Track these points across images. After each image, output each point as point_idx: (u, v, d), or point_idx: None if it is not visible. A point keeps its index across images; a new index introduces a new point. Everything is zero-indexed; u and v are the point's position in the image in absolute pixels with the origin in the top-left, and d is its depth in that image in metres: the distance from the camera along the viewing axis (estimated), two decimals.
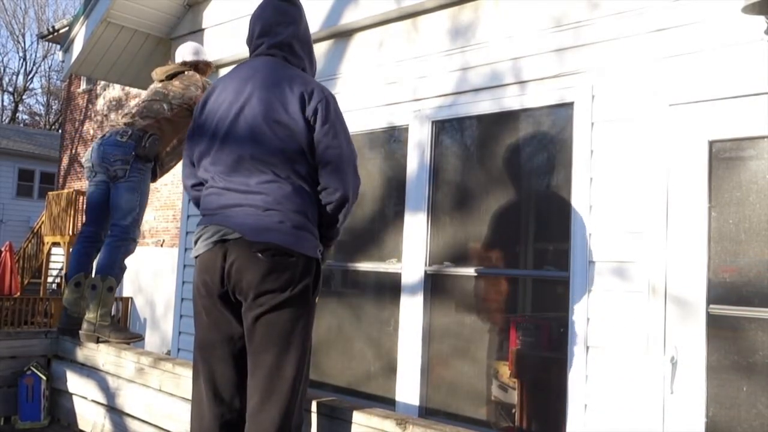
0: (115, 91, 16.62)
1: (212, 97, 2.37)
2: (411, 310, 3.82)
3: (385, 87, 4.16)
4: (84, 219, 4.03)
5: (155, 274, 13.80)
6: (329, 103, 2.25)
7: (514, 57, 3.57)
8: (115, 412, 3.52)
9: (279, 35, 2.43)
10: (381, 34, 4.24)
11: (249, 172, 2.17)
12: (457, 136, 3.95)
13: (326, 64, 4.51)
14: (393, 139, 4.18)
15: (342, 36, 4.46)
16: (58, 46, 5.97)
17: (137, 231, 3.75)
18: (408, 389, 3.77)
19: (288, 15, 2.47)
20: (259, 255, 2.07)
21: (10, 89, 34.84)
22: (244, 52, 4.99)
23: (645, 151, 3.05)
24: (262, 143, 2.18)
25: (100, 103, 17.30)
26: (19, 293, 14.45)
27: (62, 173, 18.75)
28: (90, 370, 3.78)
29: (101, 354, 3.68)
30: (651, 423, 2.89)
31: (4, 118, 34.20)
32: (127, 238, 3.68)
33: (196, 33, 5.35)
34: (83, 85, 18.13)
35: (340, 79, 4.43)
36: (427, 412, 3.71)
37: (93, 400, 3.74)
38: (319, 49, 4.62)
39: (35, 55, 42.17)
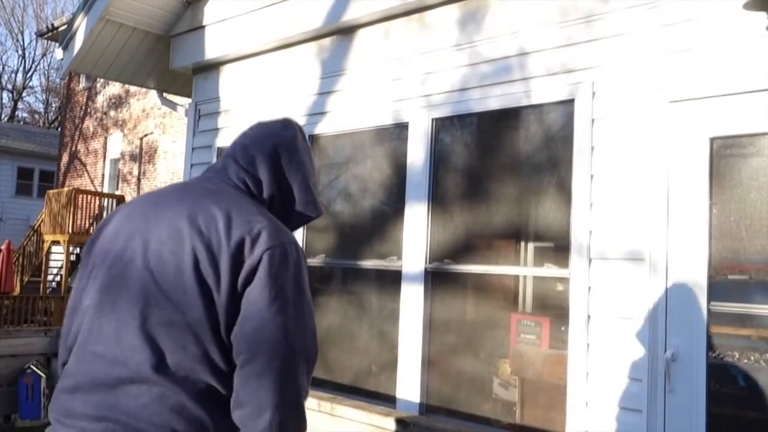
0: (114, 88, 16.60)
1: None
2: (411, 308, 3.81)
3: (386, 84, 4.16)
4: None
5: None
6: None
7: (515, 54, 3.56)
8: None
9: None
10: (383, 30, 4.23)
11: None
12: (457, 133, 3.94)
13: (329, 61, 4.51)
14: (393, 135, 4.18)
15: (345, 32, 4.45)
16: (57, 44, 5.96)
17: None
18: (409, 387, 3.77)
19: None
20: None
21: (9, 87, 34.80)
22: (245, 49, 4.99)
23: (646, 148, 3.05)
24: None
25: (100, 101, 17.28)
26: (14, 292, 14.43)
27: (62, 171, 18.73)
28: None
29: None
30: (652, 420, 2.89)
31: (3, 116, 34.16)
32: None
33: (195, 30, 5.34)
34: (83, 83, 18.11)
35: (343, 76, 4.42)
36: (427, 409, 3.71)
37: None
38: (323, 46, 4.61)
39: (34, 53, 42.12)
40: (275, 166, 1.63)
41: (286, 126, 1.72)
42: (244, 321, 1.38)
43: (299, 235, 4.50)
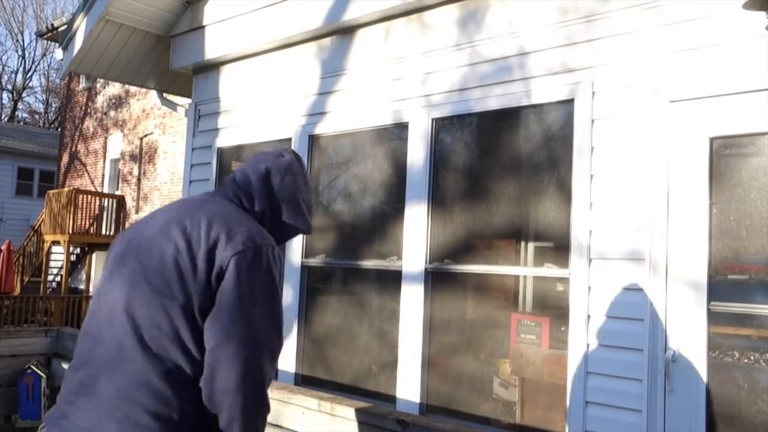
0: (114, 88, 16.60)
1: None
2: (411, 308, 3.82)
3: (386, 84, 4.16)
4: None
5: None
6: None
7: (515, 54, 3.57)
8: None
9: None
10: (383, 30, 4.23)
11: None
12: (457, 133, 3.94)
13: (329, 61, 4.51)
14: (394, 135, 4.18)
15: (345, 32, 4.45)
16: (57, 44, 5.96)
17: None
18: (409, 387, 3.77)
19: None
20: None
21: (9, 87, 34.81)
22: (245, 49, 4.99)
23: (645, 148, 3.05)
24: None
25: (100, 101, 17.28)
26: (14, 292, 14.43)
27: (62, 171, 18.73)
28: None
29: None
30: (652, 420, 2.89)
31: (3, 116, 34.17)
32: None
33: (195, 30, 5.34)
34: (83, 83, 18.11)
35: (344, 76, 4.43)
36: (427, 409, 3.71)
37: None
38: (323, 46, 4.61)
39: (34, 53, 42.13)
40: (267, 185, 1.85)
41: (282, 153, 1.94)
42: (217, 311, 1.56)
43: (299, 238, 4.50)
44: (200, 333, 1.56)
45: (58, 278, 16.56)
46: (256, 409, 1.58)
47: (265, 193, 1.84)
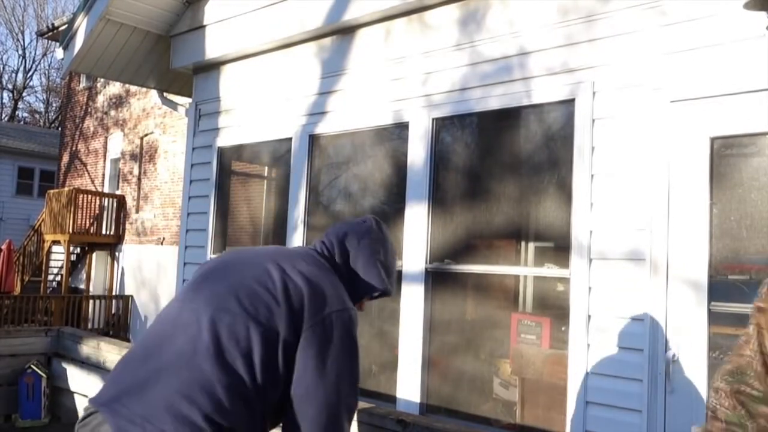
0: (115, 88, 16.60)
1: None
2: (412, 308, 3.81)
3: (387, 84, 4.16)
4: None
5: (156, 272, 13.81)
6: None
7: (516, 54, 3.57)
8: None
9: None
10: (384, 30, 4.23)
11: None
12: (458, 133, 3.94)
13: (330, 61, 4.51)
14: (394, 135, 4.18)
15: (346, 32, 4.45)
16: (58, 44, 5.96)
17: None
18: (409, 387, 3.77)
19: None
20: None
21: (10, 87, 34.81)
22: (245, 49, 4.99)
23: (646, 148, 3.05)
24: None
25: (101, 100, 17.28)
26: (14, 291, 14.44)
27: (62, 171, 18.73)
28: (91, 368, 3.78)
29: (103, 352, 3.68)
30: (652, 420, 2.89)
31: (3, 116, 34.17)
32: None
33: (196, 30, 5.34)
34: (83, 83, 18.11)
35: (344, 75, 4.42)
36: (428, 409, 3.71)
37: None
38: (324, 46, 4.61)
39: (35, 53, 42.17)
40: (342, 248, 1.97)
41: (364, 220, 2.07)
42: (303, 372, 1.65)
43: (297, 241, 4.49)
44: (272, 360, 1.63)
45: (58, 278, 16.56)
46: None
47: (340, 251, 1.96)
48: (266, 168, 5.29)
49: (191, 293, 1.74)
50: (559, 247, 3.35)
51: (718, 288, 2.82)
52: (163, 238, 14.08)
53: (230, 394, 1.57)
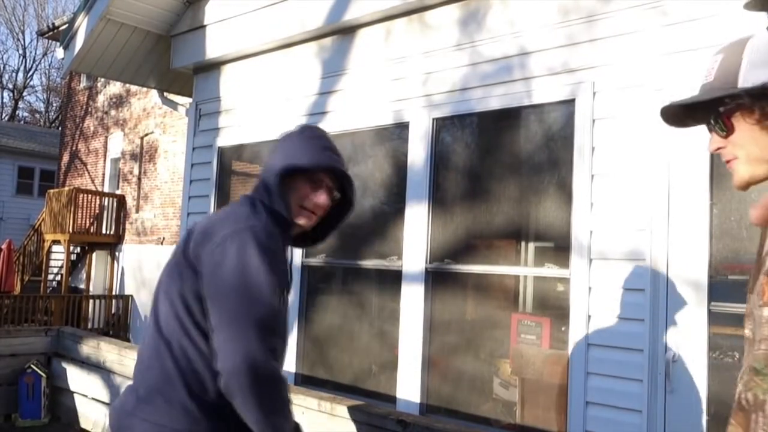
0: (115, 87, 16.60)
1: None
2: (412, 308, 3.81)
3: (387, 84, 4.16)
4: None
5: (156, 272, 13.80)
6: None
7: (516, 54, 3.57)
8: None
9: None
10: (384, 30, 4.23)
11: None
12: (458, 133, 3.94)
13: (330, 61, 4.50)
14: (394, 135, 4.18)
15: (346, 32, 4.45)
16: (58, 44, 5.96)
17: None
18: (409, 387, 3.77)
19: None
20: None
21: (10, 86, 34.81)
22: (245, 49, 4.99)
23: (646, 148, 3.05)
24: None
25: (101, 100, 17.28)
26: (14, 291, 14.44)
27: (62, 171, 18.73)
28: (91, 368, 3.78)
29: (103, 352, 3.68)
30: (652, 420, 2.89)
31: (4, 115, 34.17)
32: None
33: (196, 30, 5.34)
34: (83, 82, 18.10)
35: (344, 75, 4.42)
36: (428, 409, 3.71)
37: (94, 398, 3.74)
38: (324, 46, 4.61)
39: (35, 53, 42.15)
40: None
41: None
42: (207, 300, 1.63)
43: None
44: (192, 315, 1.64)
45: (58, 277, 16.56)
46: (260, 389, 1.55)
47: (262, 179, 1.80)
48: None
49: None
50: (559, 247, 3.35)
51: (718, 288, 2.82)
52: (163, 238, 14.08)
53: (176, 361, 1.62)
